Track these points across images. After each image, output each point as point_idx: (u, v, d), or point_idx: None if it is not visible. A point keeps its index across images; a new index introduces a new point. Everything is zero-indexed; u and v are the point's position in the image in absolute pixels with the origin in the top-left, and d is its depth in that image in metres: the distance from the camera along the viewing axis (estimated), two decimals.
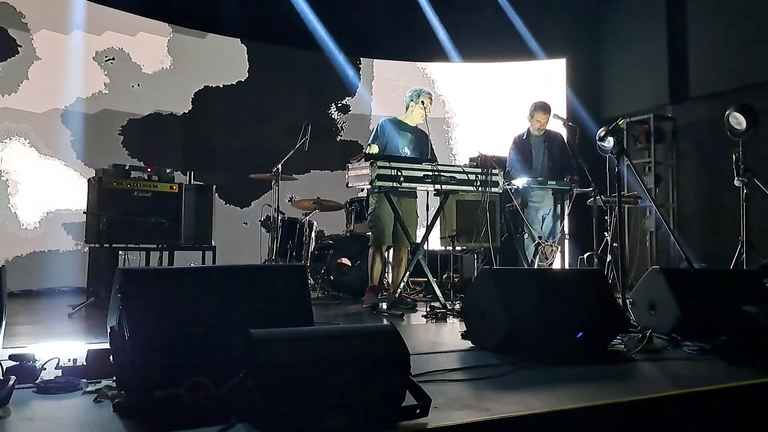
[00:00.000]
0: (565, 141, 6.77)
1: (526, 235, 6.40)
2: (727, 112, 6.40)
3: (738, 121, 6.30)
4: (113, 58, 7.24)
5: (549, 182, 6.42)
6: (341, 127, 9.60)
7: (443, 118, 9.49)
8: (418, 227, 6.22)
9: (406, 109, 6.14)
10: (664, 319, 3.82)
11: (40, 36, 7.33)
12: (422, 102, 5.99)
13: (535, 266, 6.21)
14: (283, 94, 9.11)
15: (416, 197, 6.03)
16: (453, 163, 5.88)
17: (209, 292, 2.60)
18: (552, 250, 6.30)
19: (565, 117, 7.07)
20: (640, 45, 8.87)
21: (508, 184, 6.15)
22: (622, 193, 7.35)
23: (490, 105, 9.46)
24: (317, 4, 8.84)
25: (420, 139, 6.11)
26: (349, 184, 5.69)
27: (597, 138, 6.91)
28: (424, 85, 6.26)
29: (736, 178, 6.09)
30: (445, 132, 9.46)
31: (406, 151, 5.97)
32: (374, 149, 5.86)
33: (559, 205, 6.49)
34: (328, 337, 2.26)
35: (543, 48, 9.38)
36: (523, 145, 6.67)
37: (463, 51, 9.58)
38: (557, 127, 6.78)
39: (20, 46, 7.18)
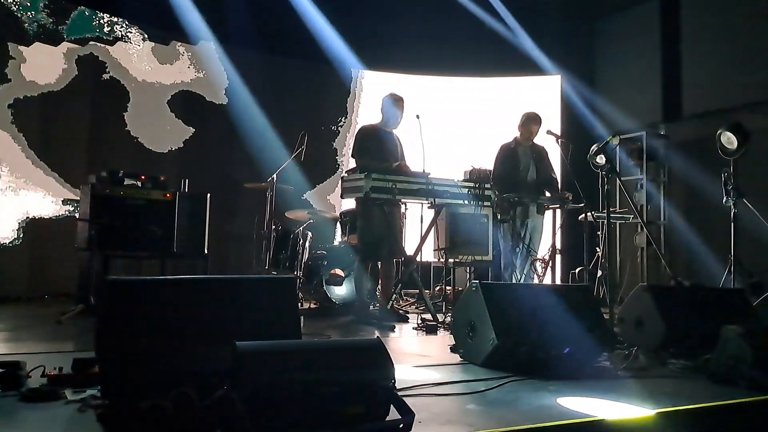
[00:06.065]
0: (548, 155, 6.81)
1: (518, 249, 6.41)
2: (719, 132, 6.43)
3: (729, 140, 6.33)
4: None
5: (540, 196, 6.45)
6: (336, 138, 9.60)
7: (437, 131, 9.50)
8: (411, 239, 6.23)
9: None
10: (650, 337, 3.85)
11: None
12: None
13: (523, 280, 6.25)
14: (280, 103, 9.09)
15: (401, 206, 6.06)
16: (447, 177, 5.88)
17: (196, 303, 2.60)
18: (534, 260, 6.32)
19: (558, 133, 7.10)
20: (634, 63, 8.94)
21: (499, 197, 6.16)
22: (614, 209, 7.43)
23: (485, 119, 9.48)
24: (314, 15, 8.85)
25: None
26: (344, 195, 5.72)
27: (589, 155, 6.97)
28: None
29: (725, 198, 6.12)
30: (439, 145, 9.48)
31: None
32: None
33: (542, 218, 6.51)
34: (314, 350, 2.28)
35: (539, 64, 9.42)
36: (510, 154, 6.65)
37: (459, 65, 9.60)
38: (551, 142, 6.81)
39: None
